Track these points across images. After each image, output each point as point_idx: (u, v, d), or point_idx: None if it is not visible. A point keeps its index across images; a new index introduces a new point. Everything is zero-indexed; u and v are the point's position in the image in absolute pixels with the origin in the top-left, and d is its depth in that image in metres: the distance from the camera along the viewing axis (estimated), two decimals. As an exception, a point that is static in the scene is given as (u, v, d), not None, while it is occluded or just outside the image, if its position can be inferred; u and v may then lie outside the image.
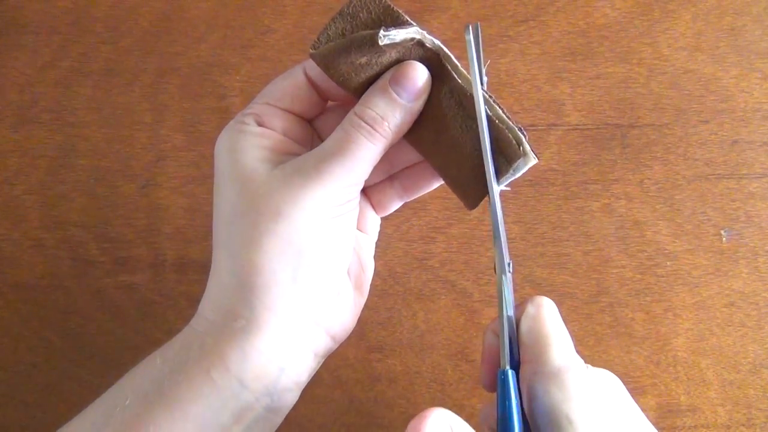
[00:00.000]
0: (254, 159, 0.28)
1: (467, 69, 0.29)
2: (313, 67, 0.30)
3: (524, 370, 0.28)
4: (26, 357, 0.39)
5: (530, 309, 0.28)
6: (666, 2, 0.43)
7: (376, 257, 0.39)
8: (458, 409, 0.38)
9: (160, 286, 0.40)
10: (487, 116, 0.29)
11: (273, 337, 0.27)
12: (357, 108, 0.29)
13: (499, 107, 0.29)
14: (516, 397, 0.27)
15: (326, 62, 0.29)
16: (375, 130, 0.28)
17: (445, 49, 0.29)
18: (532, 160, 0.28)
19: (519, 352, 0.29)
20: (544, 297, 0.29)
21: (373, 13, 0.29)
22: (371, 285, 0.39)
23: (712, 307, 0.39)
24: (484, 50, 0.29)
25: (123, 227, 0.40)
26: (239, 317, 0.27)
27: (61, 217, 0.40)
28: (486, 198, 0.29)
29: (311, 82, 0.30)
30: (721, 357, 0.39)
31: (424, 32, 0.28)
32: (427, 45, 0.29)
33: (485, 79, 0.30)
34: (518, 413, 0.27)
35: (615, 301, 0.39)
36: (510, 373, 0.28)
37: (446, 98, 0.29)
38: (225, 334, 0.27)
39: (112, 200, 0.40)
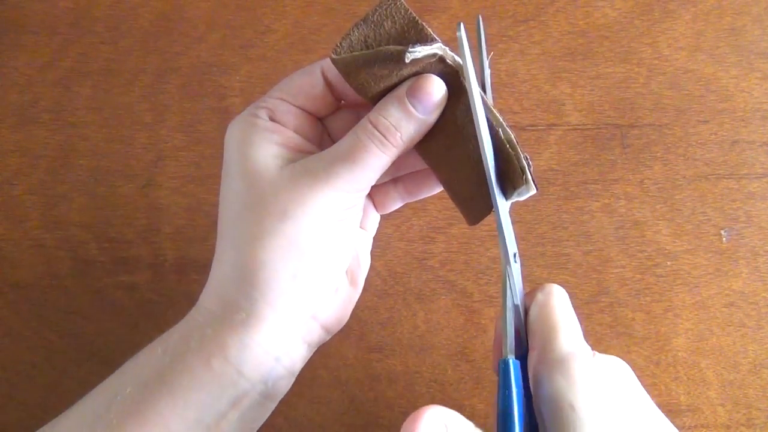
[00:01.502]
0: (265, 154, 0.29)
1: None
2: (330, 68, 0.30)
3: (531, 357, 0.27)
4: (26, 357, 0.39)
5: (540, 296, 0.28)
6: (666, 2, 0.43)
7: (376, 257, 0.39)
8: (458, 409, 0.38)
9: (160, 286, 0.40)
10: (498, 139, 0.29)
11: (271, 330, 0.28)
12: (372, 115, 0.29)
13: (508, 129, 0.29)
14: (518, 386, 0.27)
15: (347, 69, 0.29)
16: (387, 140, 0.28)
17: (465, 68, 0.28)
18: (533, 190, 0.29)
19: (527, 340, 0.28)
20: (554, 285, 0.29)
21: (397, 23, 0.28)
22: (372, 285, 0.39)
23: (712, 307, 0.39)
24: (488, 46, 0.28)
25: (123, 227, 0.40)
26: (240, 310, 0.28)
27: (61, 217, 0.40)
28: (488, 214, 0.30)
29: (327, 83, 0.30)
30: (721, 357, 0.39)
31: (446, 49, 0.28)
32: (448, 61, 0.29)
33: (488, 81, 0.30)
34: (519, 402, 0.27)
35: (615, 301, 0.39)
36: (511, 361, 0.27)
37: (461, 115, 0.29)
38: (225, 325, 0.28)
39: (112, 200, 0.40)
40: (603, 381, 0.26)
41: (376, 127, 0.28)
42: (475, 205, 0.30)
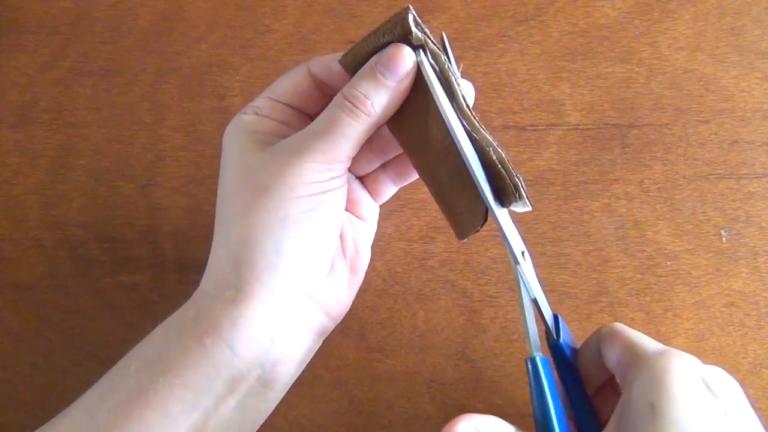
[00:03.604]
0: (250, 141, 0.30)
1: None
2: (317, 65, 0.31)
3: (621, 371, 0.27)
4: (26, 357, 0.39)
5: (604, 330, 0.29)
6: (666, 2, 0.43)
7: (376, 257, 0.39)
8: (458, 409, 0.38)
9: (160, 286, 0.40)
10: (488, 159, 0.29)
11: (261, 306, 0.28)
12: (344, 89, 0.30)
13: (499, 148, 0.29)
14: (549, 383, 0.27)
15: (353, 63, 0.30)
16: (357, 108, 0.29)
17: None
18: (528, 207, 0.30)
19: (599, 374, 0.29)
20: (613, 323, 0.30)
21: (396, 33, 0.29)
22: (372, 285, 0.39)
23: (712, 307, 0.39)
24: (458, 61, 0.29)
25: (123, 227, 0.40)
26: (230, 286, 0.29)
27: (61, 217, 0.40)
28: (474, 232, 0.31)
29: (315, 80, 0.32)
30: (721, 357, 0.39)
31: (450, 65, 0.29)
32: (427, 61, 0.29)
33: (470, 97, 0.30)
34: (555, 399, 0.26)
35: (615, 301, 0.39)
36: (539, 358, 0.27)
37: (446, 132, 0.30)
38: (217, 303, 0.29)
39: (112, 200, 0.40)
40: (695, 386, 0.24)
41: (347, 98, 0.29)
42: (465, 220, 0.31)
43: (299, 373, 0.32)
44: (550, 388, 0.27)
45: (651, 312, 0.39)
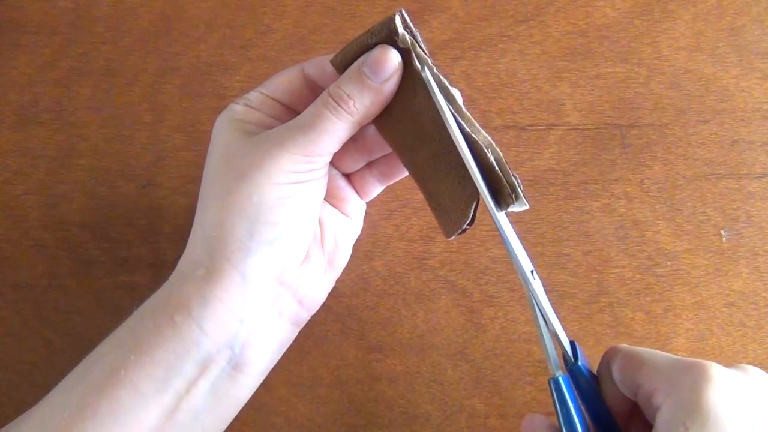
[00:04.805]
0: (237, 130, 0.31)
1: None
2: (311, 66, 0.32)
3: (644, 395, 0.26)
4: (26, 357, 0.39)
5: (610, 353, 0.29)
6: (666, 2, 0.43)
7: (376, 257, 0.39)
8: (458, 409, 0.38)
9: (160, 286, 0.39)
10: (485, 160, 0.29)
11: (230, 286, 0.29)
12: (330, 87, 0.30)
13: (497, 148, 0.29)
14: (573, 402, 0.27)
15: (342, 63, 0.31)
16: (340, 106, 0.29)
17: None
18: (525, 206, 0.29)
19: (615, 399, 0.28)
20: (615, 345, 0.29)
21: (384, 34, 0.29)
22: (372, 285, 0.39)
23: (712, 307, 0.39)
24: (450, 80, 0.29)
25: (123, 227, 0.40)
26: (201, 265, 0.29)
27: (61, 217, 0.40)
28: (462, 230, 0.31)
29: (308, 80, 0.32)
30: (721, 357, 0.39)
31: (432, 64, 0.29)
32: (416, 62, 0.29)
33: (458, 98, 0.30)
34: (580, 419, 0.26)
35: (615, 301, 0.39)
36: (561, 378, 0.27)
37: (442, 131, 0.30)
38: (188, 281, 0.30)
39: (112, 200, 0.40)
40: (722, 400, 0.24)
41: (331, 96, 0.30)
42: (454, 219, 0.31)
43: (275, 361, 0.32)
44: (575, 407, 0.27)
45: (651, 312, 0.39)
